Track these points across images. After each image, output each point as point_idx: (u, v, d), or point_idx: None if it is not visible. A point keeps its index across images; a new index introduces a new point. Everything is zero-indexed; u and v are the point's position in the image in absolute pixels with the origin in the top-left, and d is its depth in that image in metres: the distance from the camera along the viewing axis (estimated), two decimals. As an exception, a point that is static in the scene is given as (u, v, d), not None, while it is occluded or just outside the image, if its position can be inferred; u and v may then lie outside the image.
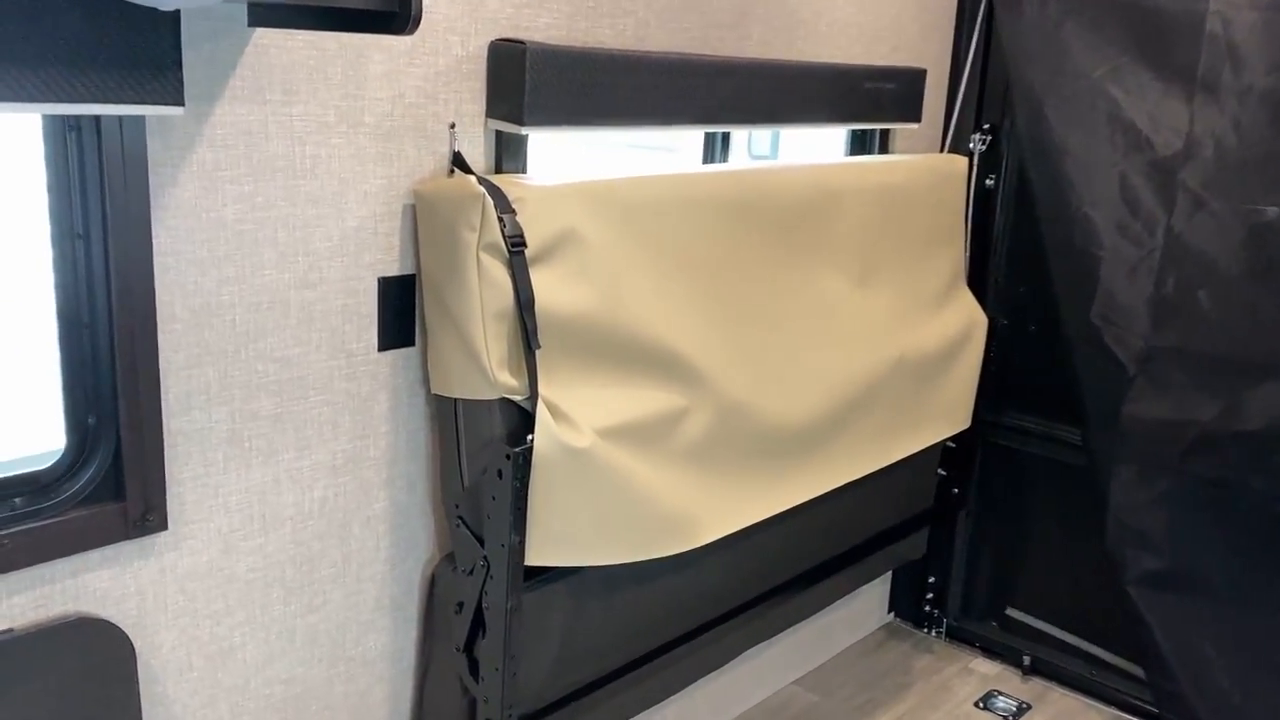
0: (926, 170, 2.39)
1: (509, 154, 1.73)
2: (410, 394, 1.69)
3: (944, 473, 2.73)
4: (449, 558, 1.74)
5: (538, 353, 1.59)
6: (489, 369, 1.56)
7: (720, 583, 2.03)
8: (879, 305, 2.24)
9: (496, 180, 1.61)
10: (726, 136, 2.19)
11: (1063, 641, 2.81)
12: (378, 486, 1.68)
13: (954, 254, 2.52)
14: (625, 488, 1.69)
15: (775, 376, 1.96)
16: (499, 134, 1.70)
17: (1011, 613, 2.90)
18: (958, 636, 2.98)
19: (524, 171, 1.76)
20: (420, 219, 1.61)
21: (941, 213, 2.45)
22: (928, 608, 3.01)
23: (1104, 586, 2.61)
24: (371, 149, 1.55)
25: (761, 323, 1.96)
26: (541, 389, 1.60)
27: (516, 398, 1.59)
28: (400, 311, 1.65)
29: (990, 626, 2.94)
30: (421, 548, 1.77)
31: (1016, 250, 2.72)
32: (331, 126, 1.50)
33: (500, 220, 1.54)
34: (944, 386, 2.42)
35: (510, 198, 1.57)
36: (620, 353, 1.71)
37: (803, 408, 2.01)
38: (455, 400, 1.65)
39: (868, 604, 2.97)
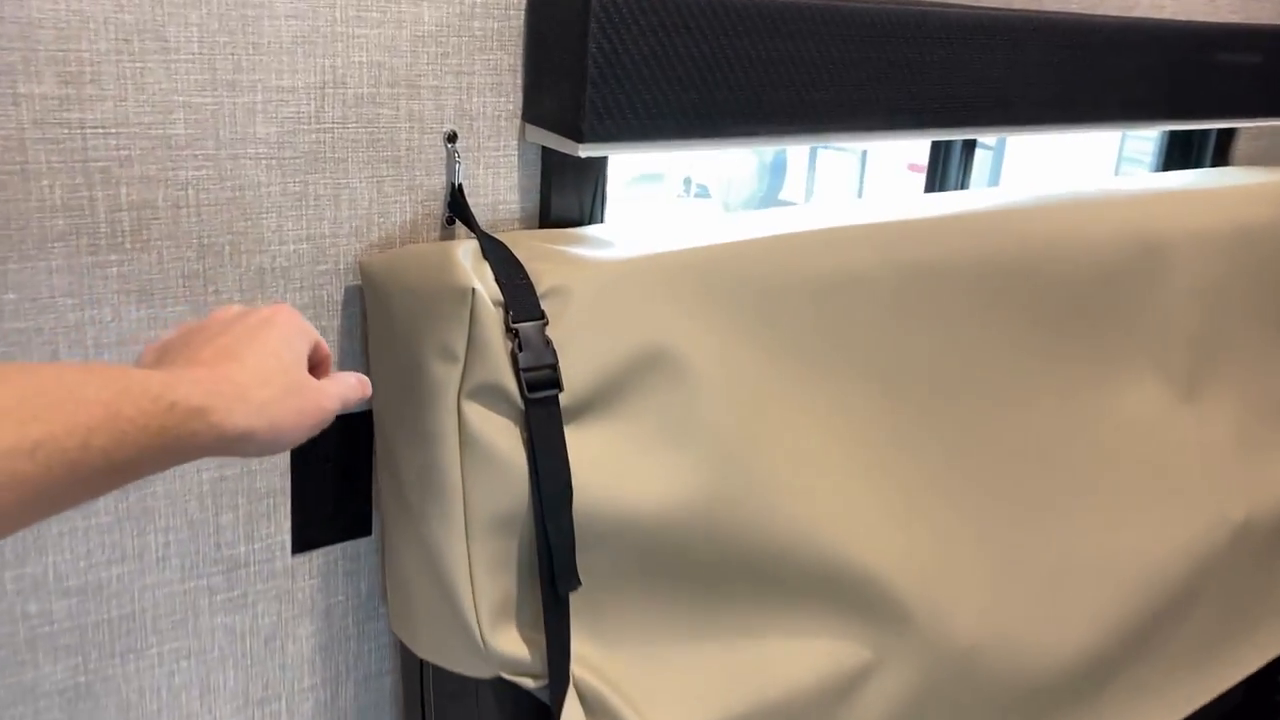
0: (1300, 198, 1.44)
1: (561, 188, 0.93)
2: (366, 619, 0.95)
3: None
4: None
5: (572, 596, 0.81)
6: (474, 624, 0.79)
7: None
8: (1215, 428, 1.33)
9: (523, 244, 0.83)
10: (971, 148, 1.31)
11: None
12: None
13: (1327, 329, 1.56)
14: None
15: (1036, 580, 1.10)
16: (545, 153, 0.91)
17: None
18: None
19: (590, 220, 0.96)
20: (370, 317, 0.85)
21: (1318, 266, 1.49)
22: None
23: None
24: (275, 183, 0.79)
25: (1011, 485, 1.10)
26: (577, 665, 0.82)
27: (525, 681, 0.82)
28: (342, 477, 0.89)
29: None
30: None
31: None
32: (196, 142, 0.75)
33: (512, 336, 0.76)
34: (1304, 555, 1.48)
35: (540, 284, 0.78)
36: (744, 578, 0.90)
37: (1084, 627, 1.14)
38: (422, 663, 0.89)
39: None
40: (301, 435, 0.55)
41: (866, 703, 0.97)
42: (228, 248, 0.79)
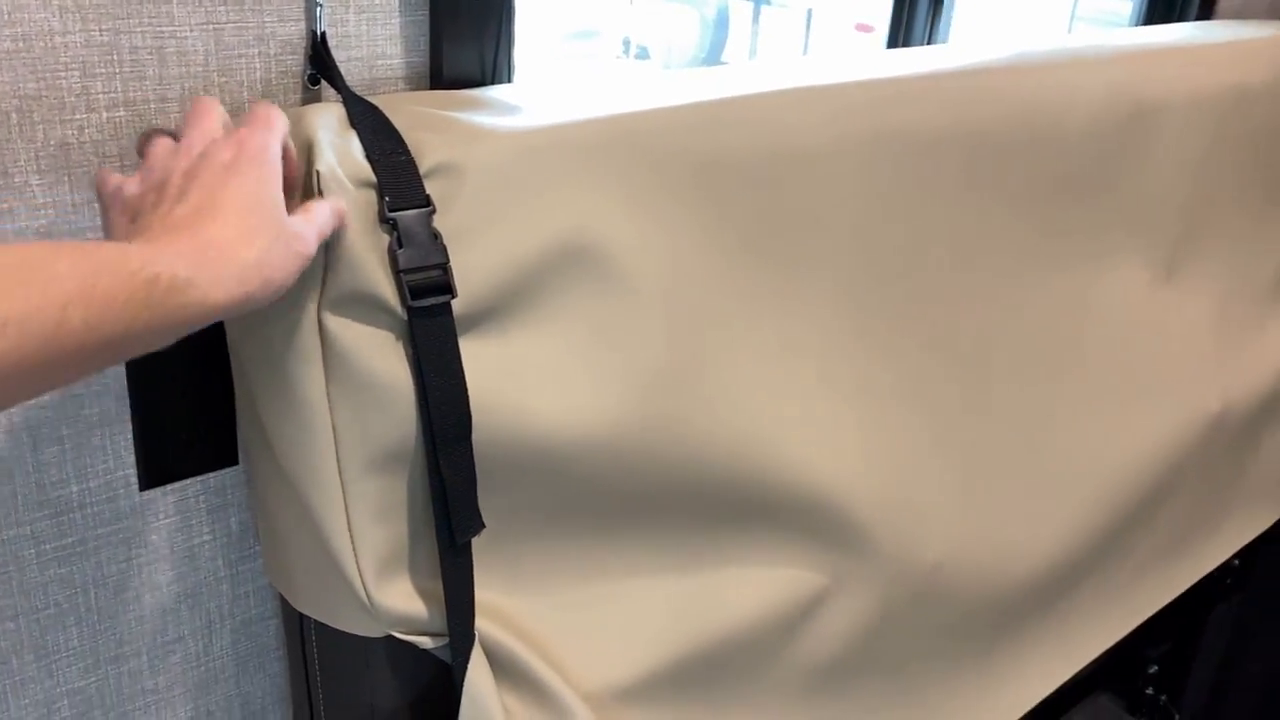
0: (1296, 56, 1.30)
1: (456, 38, 0.75)
2: (240, 560, 0.80)
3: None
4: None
5: (476, 539, 0.67)
6: (357, 579, 0.66)
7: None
8: (1196, 309, 1.21)
9: (405, 109, 0.66)
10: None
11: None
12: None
13: (1311, 202, 1.44)
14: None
15: (1006, 494, 0.99)
16: (433, -10, 0.73)
17: (1290, 730, 1.95)
18: (1196, 743, 2.05)
19: (498, 79, 0.79)
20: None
21: (1306, 132, 1.36)
22: (1151, 690, 2.07)
23: None
24: (74, 31, 0.61)
25: (985, 391, 0.98)
26: (483, 619, 0.69)
27: (422, 640, 0.69)
28: (197, 397, 0.74)
29: (1251, 740, 1.99)
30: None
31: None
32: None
33: (388, 228, 0.60)
34: (1274, 443, 1.40)
35: (425, 159, 0.62)
36: (681, 506, 0.77)
37: (1055, 538, 1.04)
38: (302, 619, 0.75)
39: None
40: (289, 283, 0.53)
41: (821, 632, 0.86)
42: (14, 116, 0.61)
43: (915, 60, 0.94)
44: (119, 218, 0.54)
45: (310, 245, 0.55)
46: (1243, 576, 1.79)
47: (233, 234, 0.50)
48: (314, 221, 0.55)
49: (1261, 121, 1.23)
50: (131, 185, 0.55)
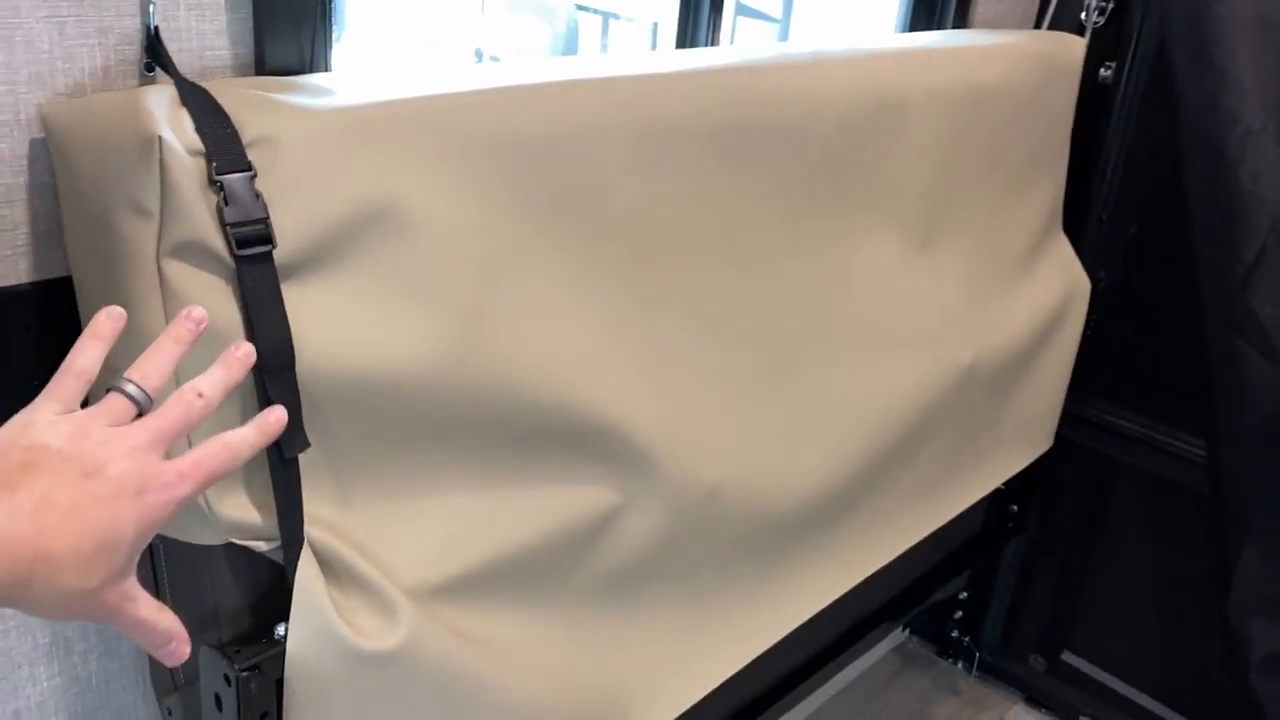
0: (1030, 60, 1.52)
1: (277, 33, 0.87)
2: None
3: (1001, 486, 1.96)
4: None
5: (308, 458, 0.79)
6: (198, 492, 0.77)
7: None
8: (947, 277, 1.42)
9: (230, 92, 0.78)
10: (718, 4, 1.31)
11: (1132, 702, 2.12)
12: (27, 658, 0.90)
13: (1053, 187, 1.68)
14: (490, 686, 0.91)
15: (778, 425, 1.16)
16: (255, -9, 0.85)
17: (1068, 657, 2.19)
18: (994, 675, 2.29)
19: (315, 69, 0.91)
20: (58, 173, 0.78)
21: (1044, 125, 1.59)
22: (955, 633, 2.30)
23: (1204, 651, 1.92)
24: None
25: (755, 337, 1.15)
26: (313, 527, 0.81)
27: (257, 544, 0.80)
28: (49, 350, 0.84)
29: (1037, 670, 2.23)
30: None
31: (1133, 175, 1.88)
32: None
33: (216, 189, 0.72)
34: (1026, 394, 1.62)
35: (246, 133, 0.74)
36: (487, 431, 0.90)
37: (823, 467, 1.22)
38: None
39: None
40: (159, 527, 0.55)
41: (614, 543, 1.01)
42: (-122, 93, 0.71)
43: (690, 58, 1.10)
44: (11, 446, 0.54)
45: (185, 487, 0.57)
46: (1022, 520, 2.03)
47: (59, 570, 0.50)
48: (147, 605, 0.58)
49: (998, 116, 1.44)
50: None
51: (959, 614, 2.28)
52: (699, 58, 1.11)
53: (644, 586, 1.05)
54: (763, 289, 1.15)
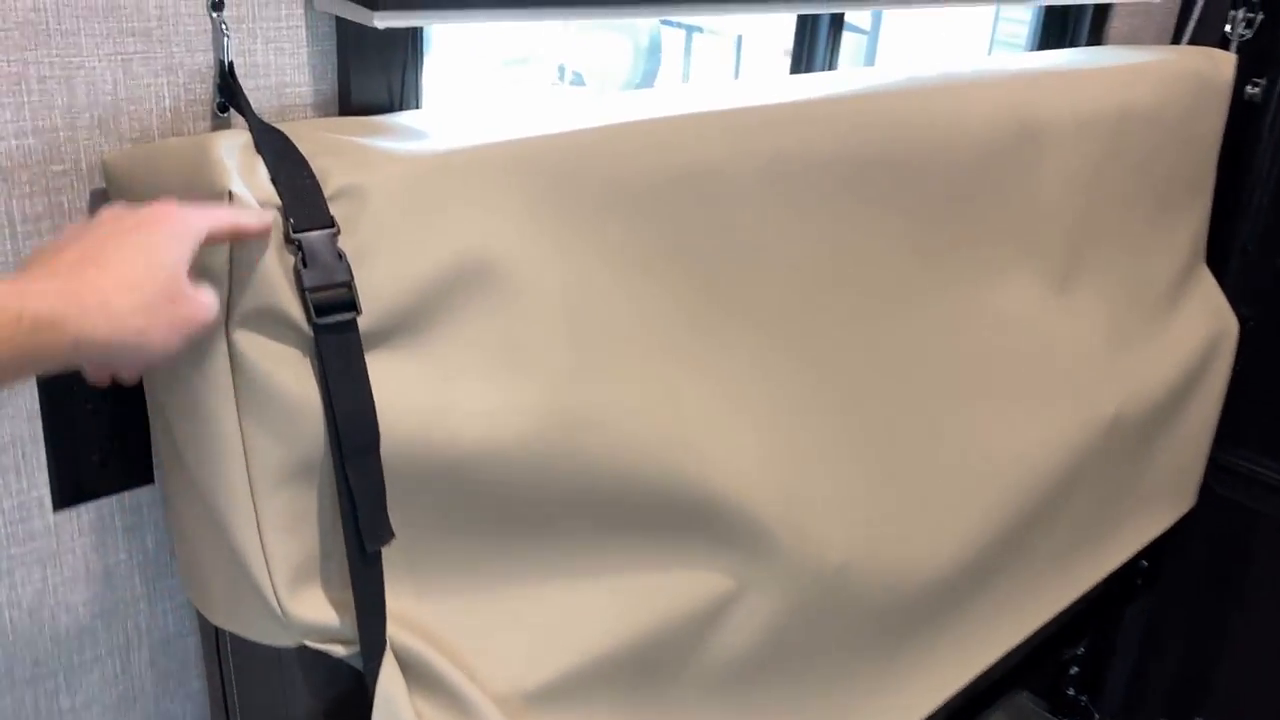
0: (1180, 79, 1.37)
1: (363, 68, 0.78)
2: (157, 576, 0.82)
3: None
4: None
5: (387, 548, 0.70)
6: (269, 589, 0.68)
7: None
8: (1088, 320, 1.28)
9: (310, 136, 0.68)
10: (838, 23, 1.19)
11: (1276, 775, 1.93)
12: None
13: (1198, 217, 1.52)
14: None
15: (909, 493, 1.04)
16: (341, 24, 0.76)
17: (1201, 724, 2.02)
18: (1114, 739, 2.12)
19: (405, 106, 0.82)
20: (122, 231, 0.70)
21: (1192, 150, 1.44)
22: (1072, 690, 2.13)
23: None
24: (-16, 63, 0.63)
25: (883, 394, 1.02)
26: (395, 626, 0.71)
27: (335, 649, 0.71)
28: (111, 417, 0.75)
29: (1164, 736, 2.06)
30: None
31: (1282, 202, 1.71)
32: None
33: (293, 248, 0.63)
34: (1169, 447, 1.46)
35: (329, 183, 0.65)
36: (586, 512, 0.80)
37: (957, 539, 1.09)
38: (219, 633, 0.77)
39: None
40: (175, 345, 0.54)
41: (728, 634, 0.90)
42: (-76, 144, 0.63)
43: (814, 85, 0.98)
44: (31, 261, 0.55)
45: (206, 313, 0.56)
46: (1153, 577, 1.87)
47: (110, 282, 0.51)
48: (204, 296, 0.57)
49: (1146, 141, 1.30)
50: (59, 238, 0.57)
51: (1075, 669, 2.11)
52: (823, 84, 0.99)
53: (759, 680, 0.94)
54: (891, 339, 1.03)
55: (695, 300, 0.85)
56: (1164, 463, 1.45)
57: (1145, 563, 1.84)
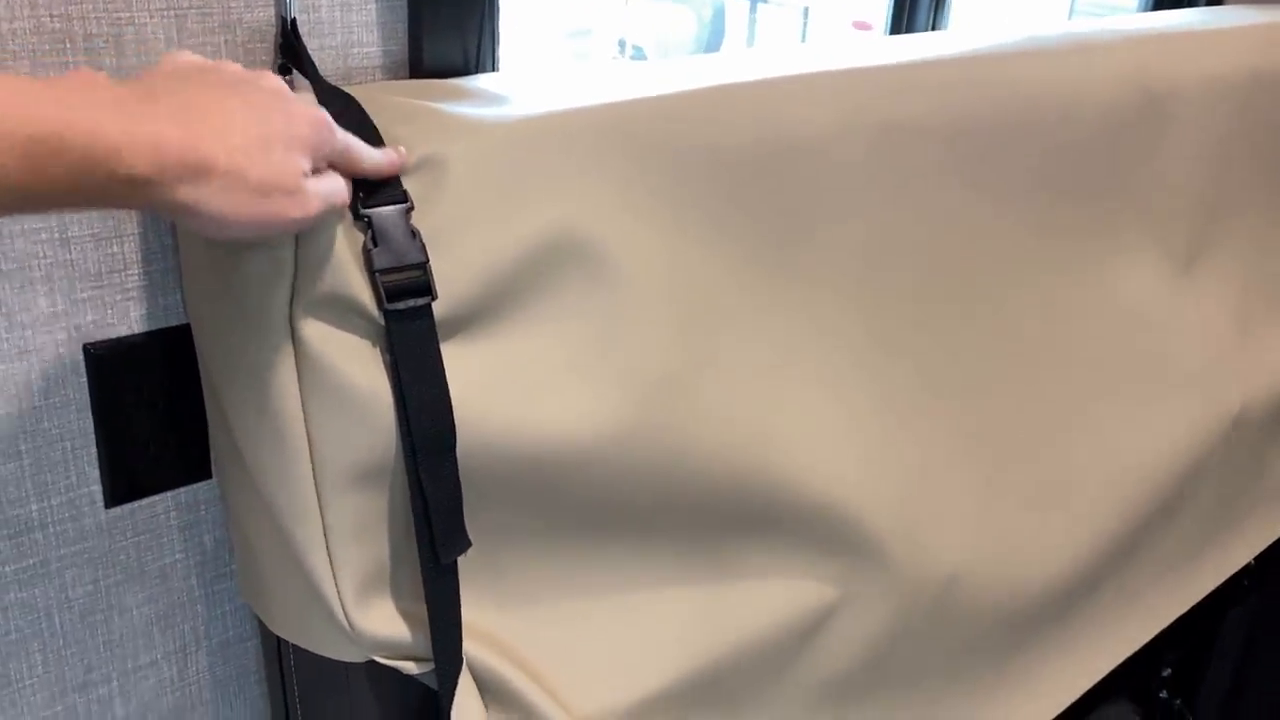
0: (1312, 42, 1.25)
1: (437, 26, 0.71)
2: (215, 578, 0.76)
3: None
4: None
5: (461, 559, 0.63)
6: (336, 601, 0.61)
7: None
8: (1214, 305, 1.17)
9: (381, 100, 0.62)
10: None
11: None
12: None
13: (1328, 192, 1.40)
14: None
15: (1024, 495, 0.95)
16: (412, -26, 0.69)
17: (1309, 734, 1.90)
18: (1210, 746, 2.01)
19: (481, 69, 0.75)
20: (176, 206, 0.64)
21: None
22: (1164, 693, 2.02)
23: None
24: (22, 18, 0.57)
25: (998, 387, 0.93)
26: (471, 641, 0.64)
27: (407, 666, 0.64)
28: (165, 408, 0.69)
29: (1267, 743, 1.95)
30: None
31: None
32: None
33: (363, 225, 0.56)
34: (1294, 441, 1.35)
35: (403, 152, 0.58)
36: (680, 517, 0.72)
37: (1073, 544, 1.00)
38: (280, 642, 0.71)
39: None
40: (269, 233, 0.49)
41: (831, 648, 0.82)
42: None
43: (916, 47, 0.89)
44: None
45: (311, 207, 0.49)
46: (1259, 578, 1.75)
47: (235, 141, 0.44)
48: (328, 181, 0.50)
49: (1277, 109, 1.18)
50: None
51: (1169, 672, 2.00)
52: (927, 46, 0.90)
53: (862, 696, 0.86)
54: (1006, 326, 0.93)
55: (798, 287, 0.77)
56: (1287, 458, 1.34)
57: (1253, 562, 1.72)
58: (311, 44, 0.66)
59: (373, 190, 0.56)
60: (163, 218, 0.46)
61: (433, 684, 0.64)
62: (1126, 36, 1.05)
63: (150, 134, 0.41)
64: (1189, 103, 1.06)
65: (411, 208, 0.57)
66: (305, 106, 0.50)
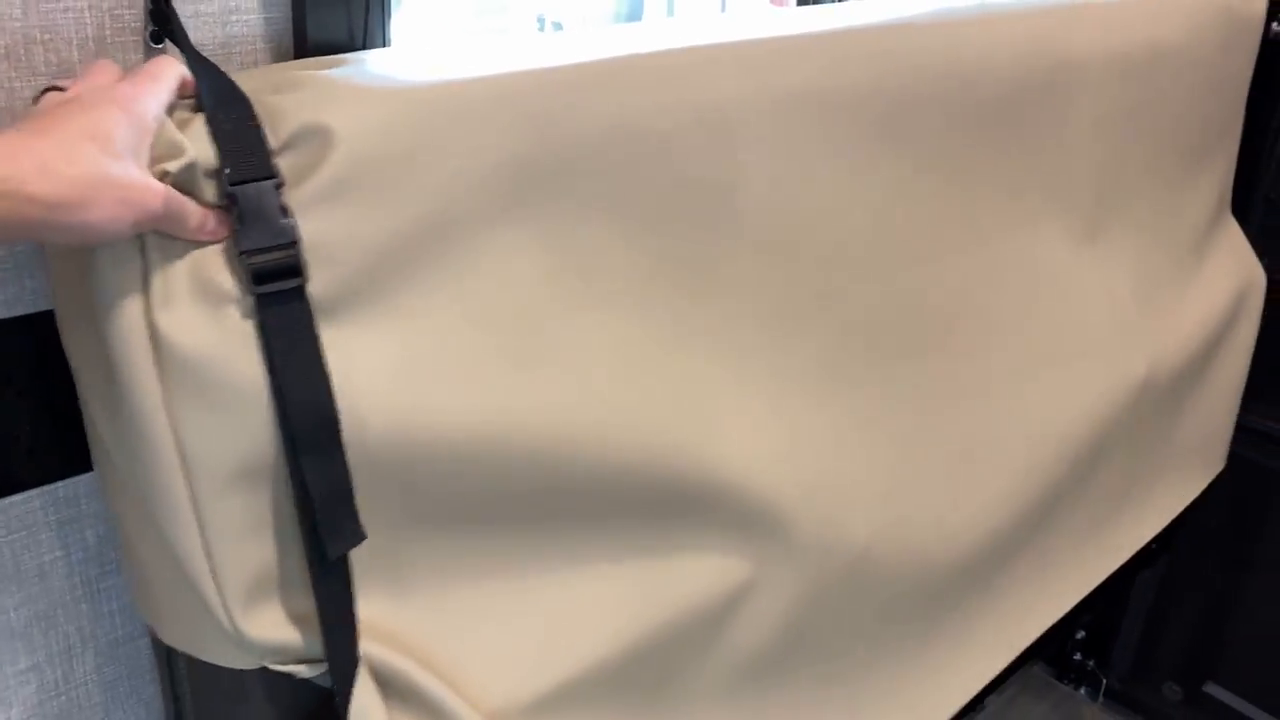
0: (1211, 13, 1.27)
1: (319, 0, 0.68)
2: (100, 575, 0.72)
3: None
4: None
5: (356, 550, 0.60)
6: (219, 606, 0.58)
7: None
8: (1118, 274, 1.19)
9: (258, 74, 0.58)
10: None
11: (1288, 742, 1.88)
12: None
13: (1225, 163, 1.43)
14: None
15: (937, 463, 0.95)
16: (292, -62, 0.65)
17: (1211, 689, 1.96)
18: (1122, 704, 2.06)
19: (370, 44, 0.71)
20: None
21: (1221, 91, 1.34)
22: (1078, 655, 2.08)
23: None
24: None
25: (908, 356, 0.93)
26: (368, 639, 0.62)
27: (300, 670, 0.62)
28: (36, 398, 0.65)
29: (1172, 700, 2.00)
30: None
31: (1310, 146, 1.62)
32: None
33: (228, 203, 0.53)
34: (1200, 406, 1.38)
35: (281, 124, 0.55)
36: (581, 501, 0.70)
37: (989, 509, 1.00)
38: (169, 651, 0.68)
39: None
40: (122, 228, 0.48)
41: (745, 627, 0.81)
42: None
43: (827, 17, 0.88)
44: None
45: (151, 199, 0.49)
46: (1165, 541, 1.80)
47: (56, 151, 0.47)
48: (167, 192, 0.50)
49: (1176, 81, 1.20)
50: None
51: (1082, 634, 2.05)
52: (834, 16, 0.89)
53: (782, 675, 0.86)
54: (915, 298, 0.93)
55: (700, 261, 0.75)
56: (1194, 423, 1.37)
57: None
58: (185, 10, 0.63)
59: (239, 167, 0.53)
60: (44, 232, 0.46)
61: (328, 684, 0.61)
62: (1033, 7, 1.05)
63: None
64: (1093, 74, 1.07)
65: (281, 184, 0.54)
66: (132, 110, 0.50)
